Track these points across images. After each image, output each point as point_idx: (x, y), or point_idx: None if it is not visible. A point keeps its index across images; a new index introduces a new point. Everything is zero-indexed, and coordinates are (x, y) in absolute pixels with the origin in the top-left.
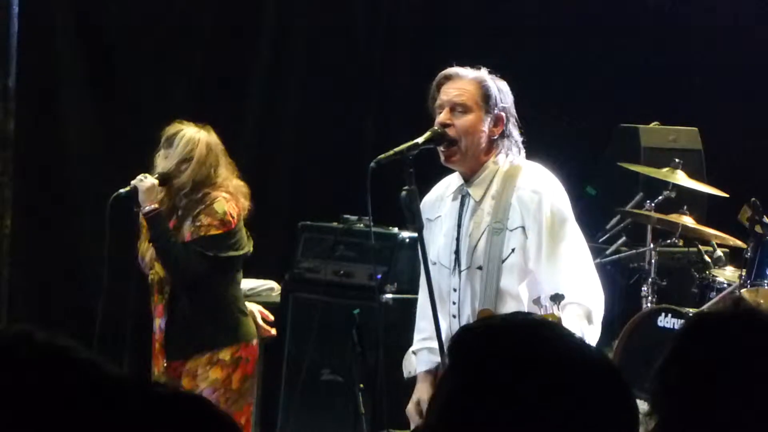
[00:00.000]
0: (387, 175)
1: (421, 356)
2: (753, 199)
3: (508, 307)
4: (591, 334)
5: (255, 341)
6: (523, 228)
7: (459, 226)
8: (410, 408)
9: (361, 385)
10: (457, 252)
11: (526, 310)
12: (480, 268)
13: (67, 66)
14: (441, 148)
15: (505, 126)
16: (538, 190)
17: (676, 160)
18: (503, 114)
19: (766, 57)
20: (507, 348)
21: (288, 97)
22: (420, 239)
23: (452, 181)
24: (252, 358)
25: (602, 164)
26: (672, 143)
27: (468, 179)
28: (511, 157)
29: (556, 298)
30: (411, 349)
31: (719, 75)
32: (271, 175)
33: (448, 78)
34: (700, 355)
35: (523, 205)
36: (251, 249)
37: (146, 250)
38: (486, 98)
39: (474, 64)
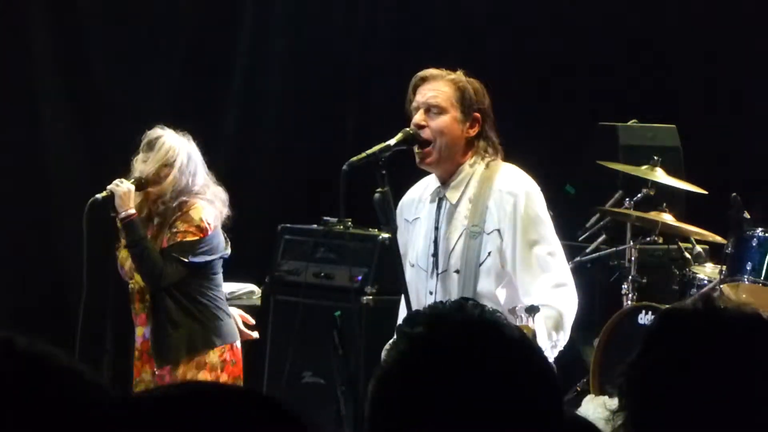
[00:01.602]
0: (367, 177)
1: None
2: (734, 194)
3: None
4: (560, 338)
5: (238, 342)
6: (499, 231)
7: (437, 229)
8: None
9: (343, 387)
10: (435, 255)
11: (504, 313)
12: (457, 271)
13: (42, 65)
14: (416, 149)
15: (482, 127)
16: (514, 191)
17: (655, 157)
18: (479, 115)
19: (742, 53)
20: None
21: (267, 98)
22: (394, 241)
23: (430, 182)
24: (237, 359)
25: (581, 163)
26: (650, 141)
27: (444, 182)
28: (488, 158)
29: (532, 310)
30: (391, 340)
31: (697, 72)
32: (250, 177)
33: (424, 79)
34: (665, 352)
35: (499, 207)
36: (229, 251)
37: (126, 259)
38: (462, 99)
39: (451, 65)
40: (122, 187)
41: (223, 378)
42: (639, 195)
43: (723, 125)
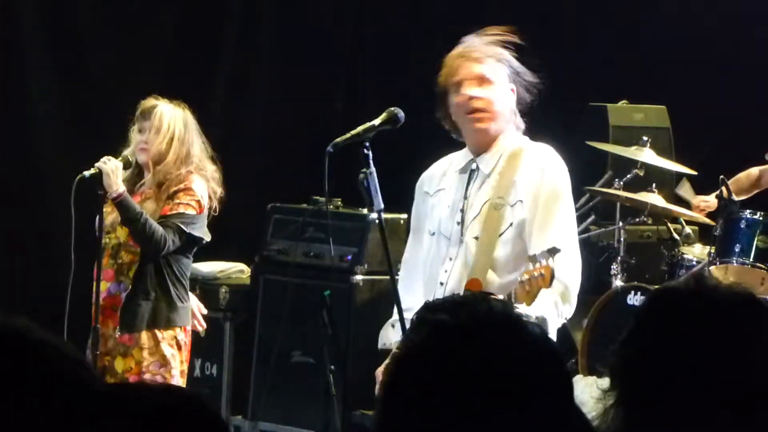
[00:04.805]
0: (357, 156)
1: (399, 328)
2: (722, 176)
3: (499, 278)
4: (566, 310)
5: (190, 327)
6: (522, 201)
7: (465, 198)
8: (379, 371)
9: (332, 367)
10: (461, 223)
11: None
12: (476, 238)
13: (32, 42)
14: (474, 115)
15: (517, 101)
16: (543, 166)
17: (645, 138)
18: (515, 89)
19: (734, 34)
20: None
21: (257, 78)
22: (380, 221)
23: (455, 159)
24: (189, 344)
25: (571, 143)
26: (640, 121)
27: (479, 153)
28: (518, 133)
29: (553, 252)
30: (390, 321)
31: (688, 53)
32: (240, 156)
33: (469, 51)
34: (657, 331)
35: (527, 179)
36: (209, 237)
37: (110, 212)
38: (506, 72)
39: (440, 43)
40: (110, 164)
41: (178, 357)
42: (629, 175)
43: (712, 106)
